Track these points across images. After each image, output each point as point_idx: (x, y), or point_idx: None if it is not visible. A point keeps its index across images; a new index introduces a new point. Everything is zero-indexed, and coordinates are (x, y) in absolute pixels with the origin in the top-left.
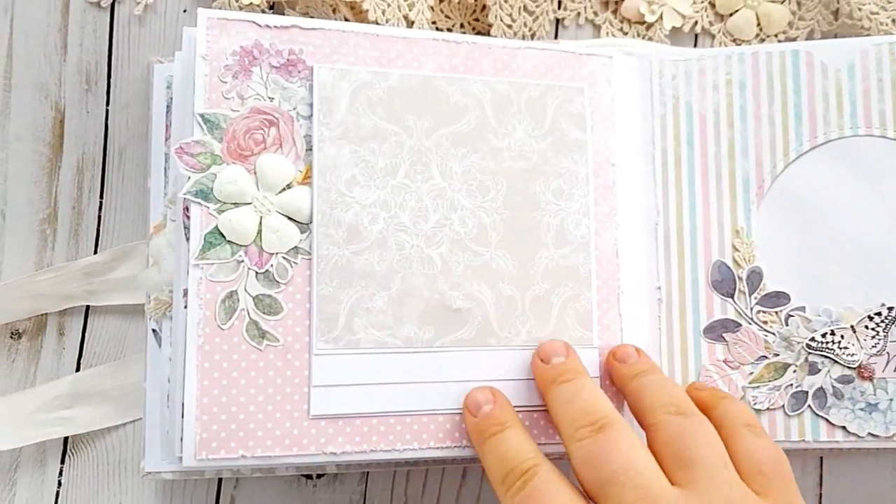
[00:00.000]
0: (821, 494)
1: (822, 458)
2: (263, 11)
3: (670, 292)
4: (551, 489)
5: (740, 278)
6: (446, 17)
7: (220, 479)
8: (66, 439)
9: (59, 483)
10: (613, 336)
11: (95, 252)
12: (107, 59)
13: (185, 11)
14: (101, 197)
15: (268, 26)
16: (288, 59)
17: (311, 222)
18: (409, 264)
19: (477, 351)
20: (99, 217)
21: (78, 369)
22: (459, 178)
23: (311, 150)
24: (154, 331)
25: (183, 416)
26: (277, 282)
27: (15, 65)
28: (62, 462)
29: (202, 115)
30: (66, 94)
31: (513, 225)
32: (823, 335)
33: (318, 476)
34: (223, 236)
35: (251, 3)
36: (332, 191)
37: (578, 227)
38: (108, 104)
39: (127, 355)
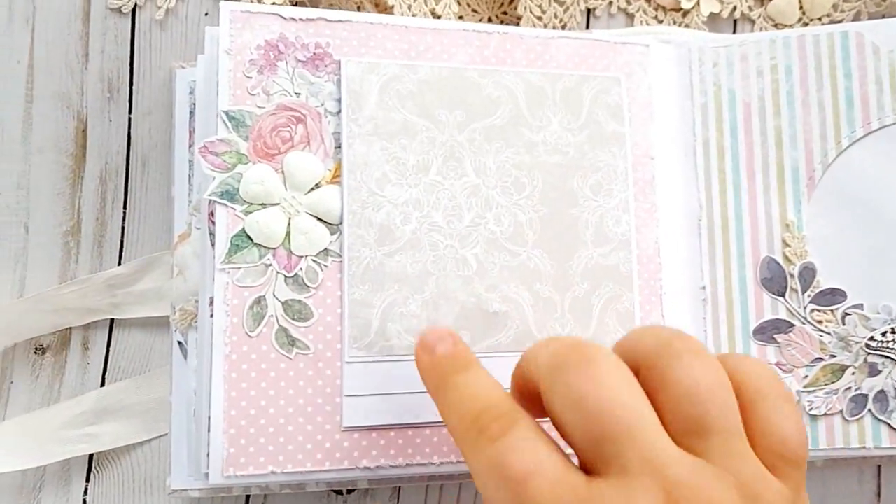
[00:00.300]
0: None
1: (880, 466)
2: (287, 4)
3: (716, 292)
4: (535, 440)
5: (792, 275)
6: (473, 10)
7: (247, 497)
8: (90, 456)
9: (84, 502)
10: None
11: (119, 264)
12: (129, 66)
13: (206, 14)
14: (125, 207)
15: (293, 19)
16: (314, 53)
17: (341, 223)
18: (444, 266)
19: (515, 357)
20: (123, 228)
21: (103, 384)
22: (494, 175)
23: (339, 147)
24: (180, 343)
25: (209, 430)
26: (307, 286)
27: (36, 75)
28: (87, 480)
29: (227, 113)
30: (88, 102)
31: (550, 223)
32: (883, 334)
33: (349, 491)
34: (250, 239)
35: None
36: (363, 189)
37: (618, 224)
38: (130, 112)
39: (152, 369)
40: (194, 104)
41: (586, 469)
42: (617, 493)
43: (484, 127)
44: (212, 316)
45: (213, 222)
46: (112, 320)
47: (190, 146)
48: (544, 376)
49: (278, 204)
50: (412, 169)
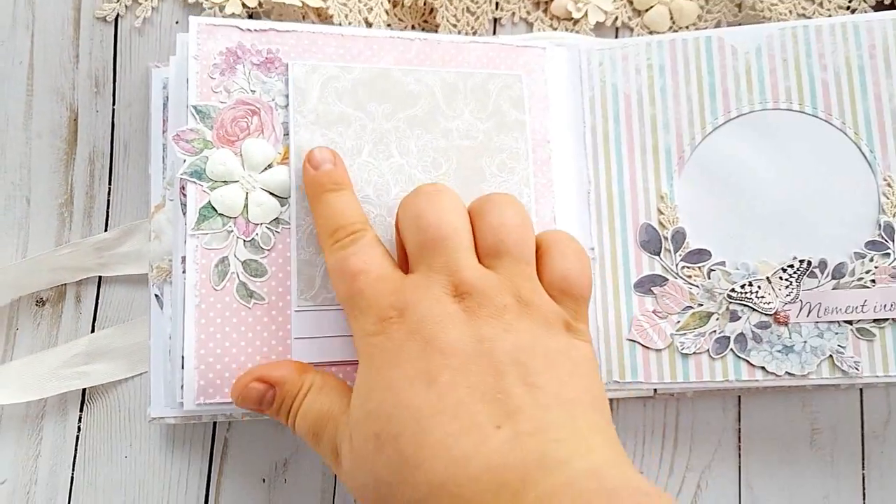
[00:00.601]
0: (739, 429)
1: (739, 397)
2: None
3: (602, 252)
4: (373, 249)
5: (666, 238)
6: (399, 19)
7: (214, 423)
8: (84, 391)
9: (79, 428)
10: None
11: (106, 230)
12: (112, 66)
13: (177, 23)
14: (110, 183)
15: (249, 30)
16: (266, 58)
17: (289, 196)
18: (375, 231)
19: None
20: (108, 200)
21: (93, 331)
22: (415, 156)
23: (287, 134)
24: (156, 295)
25: (183, 367)
26: (262, 248)
27: (35, 73)
28: (81, 410)
29: (195, 107)
30: (79, 96)
31: (463, 195)
32: (742, 286)
33: None
34: (215, 210)
35: (233, 14)
36: None
37: (521, 197)
38: (114, 104)
39: (134, 318)
40: (167, 97)
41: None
42: (418, 281)
43: (407, 117)
44: (184, 272)
45: (185, 195)
46: (100, 277)
47: (163, 132)
48: (401, 204)
49: (238, 181)
50: (348, 152)
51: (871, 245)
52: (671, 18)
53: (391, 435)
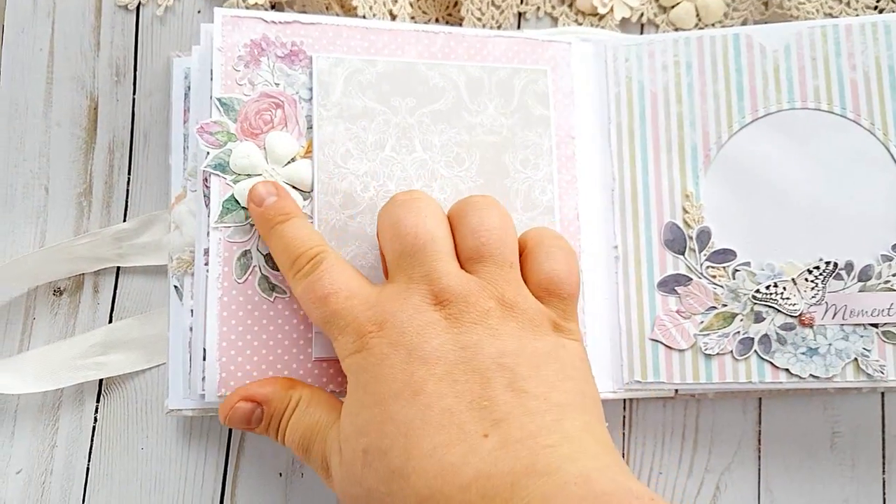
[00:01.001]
0: (760, 431)
1: (760, 399)
2: (266, 10)
3: (626, 251)
4: (338, 270)
5: (690, 237)
6: (423, 12)
7: None
8: (100, 381)
9: (95, 419)
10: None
11: (125, 220)
12: (133, 55)
13: (199, 12)
14: (129, 173)
15: (273, 22)
16: (291, 50)
17: (312, 190)
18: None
19: None
20: (127, 190)
21: (110, 321)
22: (439, 151)
23: (311, 128)
24: (175, 287)
25: (205, 359)
26: None
27: (56, 60)
28: (97, 401)
29: (219, 99)
30: (99, 85)
31: (486, 191)
32: (767, 287)
33: None
34: (238, 203)
35: (256, 3)
36: (330, 163)
37: (544, 194)
38: (134, 93)
39: (152, 308)
40: (189, 87)
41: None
42: (397, 292)
43: (431, 111)
44: (206, 265)
45: (208, 188)
46: (118, 268)
47: (184, 122)
48: (378, 213)
49: (261, 175)
50: (371, 146)
51: None
52: (697, 16)
53: (380, 450)
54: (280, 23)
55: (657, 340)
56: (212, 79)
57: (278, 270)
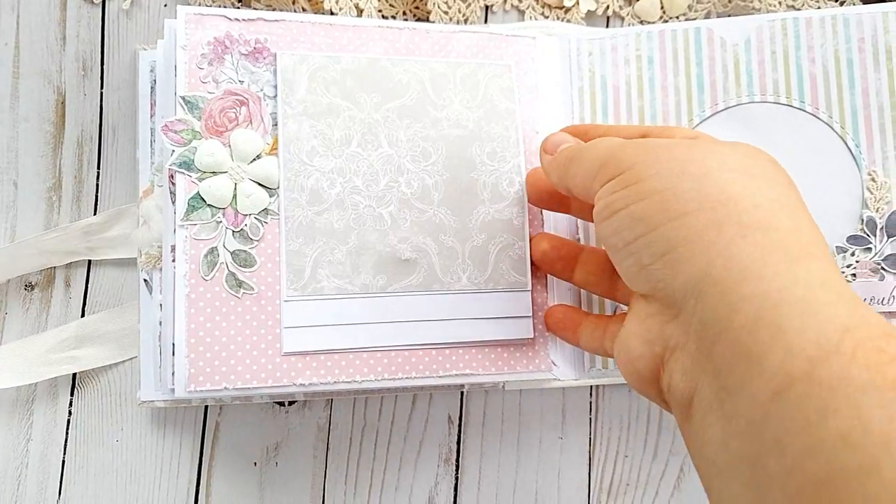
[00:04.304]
0: None
1: None
2: (232, 6)
3: (589, 241)
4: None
5: None
6: (390, 5)
7: (206, 407)
8: (74, 375)
9: (70, 412)
10: (541, 279)
11: (94, 214)
12: (100, 49)
13: (165, 6)
14: (98, 167)
15: (237, 19)
16: (255, 48)
17: (278, 187)
18: (364, 222)
19: (423, 295)
20: (97, 184)
21: (83, 315)
22: (405, 146)
23: (276, 125)
24: (145, 281)
25: (174, 355)
26: (251, 239)
27: (21, 55)
28: (72, 394)
29: (183, 97)
30: (66, 79)
31: (453, 184)
32: None
33: (290, 403)
34: (204, 200)
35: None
36: (296, 160)
37: (512, 185)
38: (102, 87)
39: (124, 302)
40: (154, 81)
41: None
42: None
43: (396, 107)
44: (174, 262)
45: (174, 185)
46: (90, 262)
47: (151, 116)
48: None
49: (226, 172)
50: (336, 143)
51: (853, 240)
52: (662, 8)
53: None
54: (244, 20)
55: None
56: (176, 76)
57: (246, 267)
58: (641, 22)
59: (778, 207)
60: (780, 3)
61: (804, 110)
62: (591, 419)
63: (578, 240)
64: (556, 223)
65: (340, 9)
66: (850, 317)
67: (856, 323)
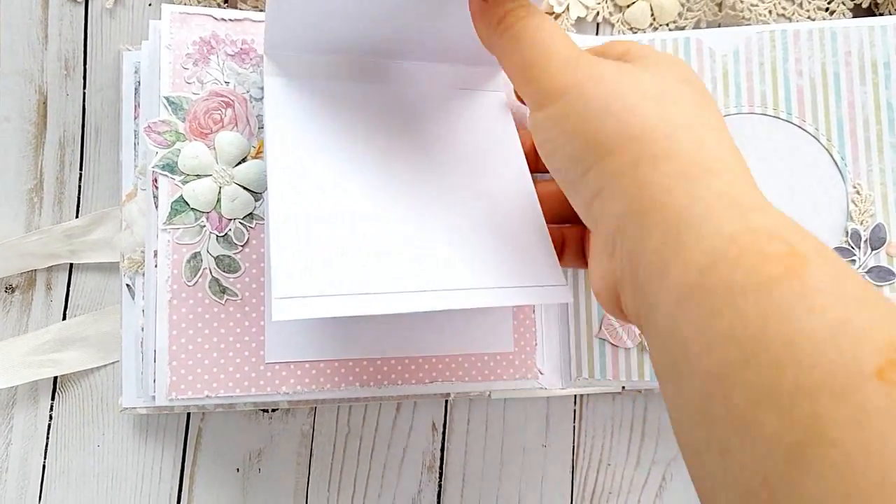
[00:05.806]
0: None
1: None
2: (219, 5)
3: None
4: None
5: None
6: None
7: (188, 413)
8: (55, 379)
9: (50, 417)
10: None
11: (77, 216)
12: (83, 48)
13: (150, 5)
14: (81, 169)
15: (223, 19)
16: (241, 48)
17: (264, 191)
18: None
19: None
20: (79, 186)
21: (64, 318)
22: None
23: (262, 128)
24: (128, 285)
25: (155, 362)
26: (236, 244)
27: (2, 54)
28: (52, 399)
29: (167, 98)
30: (48, 79)
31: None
32: None
33: (273, 409)
34: (188, 204)
35: None
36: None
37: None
38: (84, 88)
39: (106, 306)
40: (139, 82)
41: None
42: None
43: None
44: (156, 266)
45: (157, 188)
46: (71, 265)
47: (135, 118)
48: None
49: (211, 175)
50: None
51: (838, 251)
52: (652, 15)
53: None
54: (230, 20)
55: (604, 339)
56: (160, 77)
57: (230, 273)
58: (631, 28)
59: (685, 132)
60: (769, 12)
61: (791, 122)
62: (574, 427)
63: None
64: None
65: None
66: (739, 224)
67: (741, 230)
